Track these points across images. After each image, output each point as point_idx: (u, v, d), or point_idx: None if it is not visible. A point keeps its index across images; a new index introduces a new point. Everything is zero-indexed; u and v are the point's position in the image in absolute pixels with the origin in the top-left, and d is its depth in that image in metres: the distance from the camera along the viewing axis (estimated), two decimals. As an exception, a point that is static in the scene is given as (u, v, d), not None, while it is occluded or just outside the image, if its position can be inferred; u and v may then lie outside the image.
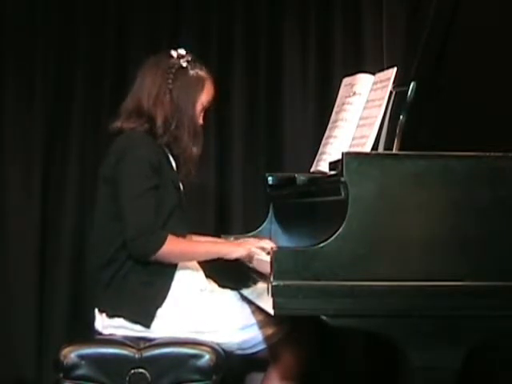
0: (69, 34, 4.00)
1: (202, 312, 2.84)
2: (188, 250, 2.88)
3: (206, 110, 3.01)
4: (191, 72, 2.93)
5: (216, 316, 2.85)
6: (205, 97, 2.95)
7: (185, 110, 2.89)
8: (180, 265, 2.86)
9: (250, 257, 2.78)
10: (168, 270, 2.82)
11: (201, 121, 2.98)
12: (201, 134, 2.95)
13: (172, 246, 2.77)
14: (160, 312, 2.79)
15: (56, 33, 4.00)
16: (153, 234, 2.74)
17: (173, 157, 2.95)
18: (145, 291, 2.79)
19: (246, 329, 2.86)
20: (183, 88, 2.90)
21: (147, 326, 2.79)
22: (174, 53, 2.96)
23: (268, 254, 2.67)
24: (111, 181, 2.83)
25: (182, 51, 2.96)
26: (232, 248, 2.87)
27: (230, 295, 2.93)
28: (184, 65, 2.92)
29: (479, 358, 2.63)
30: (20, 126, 3.99)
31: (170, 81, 2.89)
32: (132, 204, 2.76)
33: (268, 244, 2.86)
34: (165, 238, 2.75)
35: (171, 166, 2.94)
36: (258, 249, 2.82)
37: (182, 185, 2.97)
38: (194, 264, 2.94)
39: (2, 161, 3.97)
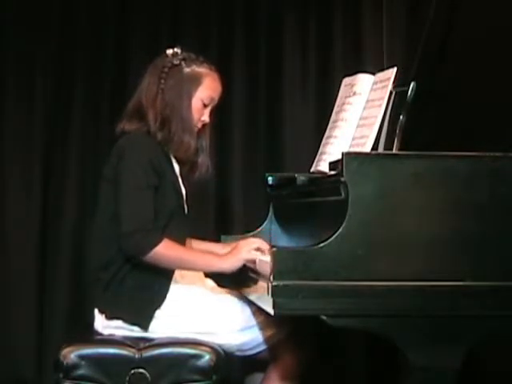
0: (69, 33, 4.01)
1: (202, 313, 2.83)
2: (183, 257, 2.77)
3: (213, 108, 2.96)
4: (186, 69, 2.90)
5: (215, 318, 2.83)
6: (204, 93, 2.90)
7: (177, 107, 2.85)
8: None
9: (253, 261, 2.75)
10: (166, 272, 2.79)
11: (206, 118, 2.94)
12: (193, 130, 2.90)
13: (166, 250, 2.71)
14: (158, 313, 2.78)
15: (56, 33, 4.00)
16: (148, 231, 2.70)
17: (176, 160, 2.93)
18: (143, 294, 2.77)
19: (245, 330, 2.85)
20: (175, 86, 2.87)
21: (145, 328, 2.78)
22: (168, 51, 2.93)
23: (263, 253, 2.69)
24: (112, 181, 2.81)
25: (178, 49, 2.93)
26: (227, 262, 2.75)
27: (230, 296, 2.91)
28: (176, 62, 2.89)
29: (479, 357, 2.63)
30: (20, 126, 3.99)
31: (162, 81, 2.87)
32: (129, 198, 2.72)
33: (262, 245, 2.78)
34: (159, 239, 2.70)
35: (173, 169, 2.91)
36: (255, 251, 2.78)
37: (185, 188, 2.96)
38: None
39: (1, 161, 3.97)
